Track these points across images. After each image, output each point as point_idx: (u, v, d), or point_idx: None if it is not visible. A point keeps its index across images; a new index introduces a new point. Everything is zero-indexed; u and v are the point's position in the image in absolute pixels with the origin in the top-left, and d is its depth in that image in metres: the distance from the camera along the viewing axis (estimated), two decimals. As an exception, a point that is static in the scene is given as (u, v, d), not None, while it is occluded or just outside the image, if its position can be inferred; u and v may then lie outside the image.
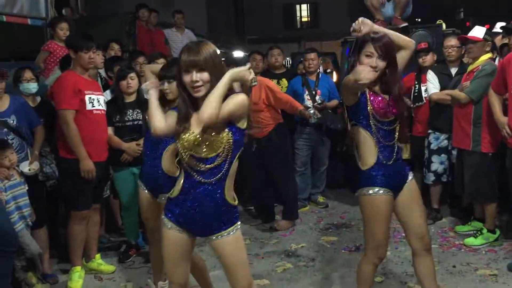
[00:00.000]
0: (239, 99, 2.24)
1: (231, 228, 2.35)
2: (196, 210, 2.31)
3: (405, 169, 2.86)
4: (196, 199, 2.30)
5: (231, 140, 2.25)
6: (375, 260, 2.82)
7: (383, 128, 2.70)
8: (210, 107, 2.15)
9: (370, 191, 2.72)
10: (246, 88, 5.14)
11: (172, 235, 2.38)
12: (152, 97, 2.45)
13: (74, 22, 6.50)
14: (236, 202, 2.37)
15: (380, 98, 2.69)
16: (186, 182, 2.31)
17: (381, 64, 2.65)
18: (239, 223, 2.40)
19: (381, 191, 2.71)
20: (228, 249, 2.36)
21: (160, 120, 2.34)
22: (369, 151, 2.72)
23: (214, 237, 2.35)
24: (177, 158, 2.79)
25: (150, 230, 3.39)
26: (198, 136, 2.23)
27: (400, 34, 2.75)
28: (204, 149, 2.24)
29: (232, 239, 2.35)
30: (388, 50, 2.64)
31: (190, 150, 2.25)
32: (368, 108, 2.68)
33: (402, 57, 2.74)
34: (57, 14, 5.74)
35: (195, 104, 2.27)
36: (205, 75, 2.20)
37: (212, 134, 2.22)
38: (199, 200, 2.29)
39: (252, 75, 2.41)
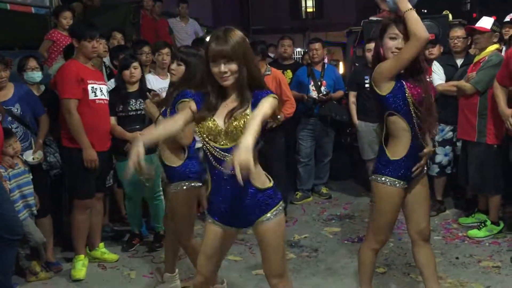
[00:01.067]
0: (273, 102, 2.15)
1: (273, 209, 2.29)
2: (231, 205, 2.28)
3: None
4: (226, 195, 2.26)
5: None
6: (374, 245, 2.85)
7: (419, 118, 2.64)
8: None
9: (388, 181, 2.70)
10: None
11: (212, 228, 2.37)
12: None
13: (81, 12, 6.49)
14: (271, 184, 2.31)
15: (415, 84, 2.64)
16: (213, 178, 2.29)
17: None
18: (281, 202, 2.33)
19: (400, 184, 2.71)
20: (266, 235, 2.31)
21: (164, 135, 2.30)
22: (403, 143, 2.67)
23: (258, 222, 2.30)
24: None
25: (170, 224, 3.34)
26: (220, 127, 2.20)
27: (415, 22, 2.57)
28: (223, 138, 2.21)
29: (272, 225, 2.29)
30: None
31: (208, 137, 2.22)
32: (407, 94, 2.61)
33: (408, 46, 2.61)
34: (61, 3, 5.72)
35: (222, 92, 2.24)
36: (233, 66, 2.15)
37: (235, 124, 2.18)
38: (230, 195, 2.26)
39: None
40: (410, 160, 2.70)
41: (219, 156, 2.22)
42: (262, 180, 2.30)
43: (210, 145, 2.23)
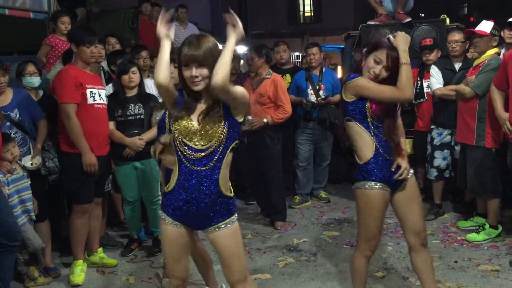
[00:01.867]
0: (243, 90, 2.26)
1: (228, 220, 2.35)
2: (191, 202, 2.31)
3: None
4: (190, 191, 2.30)
5: (226, 133, 2.26)
6: (367, 252, 2.85)
7: (379, 126, 2.72)
8: (223, 70, 2.13)
9: (366, 185, 2.73)
10: (258, 80, 5.08)
11: (171, 229, 2.38)
12: (165, 45, 2.33)
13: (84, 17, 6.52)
14: (232, 194, 2.37)
15: (377, 105, 2.69)
16: (180, 174, 2.32)
17: (384, 74, 2.68)
18: (235, 215, 2.39)
19: (377, 186, 2.72)
20: (224, 241, 2.35)
21: (165, 74, 2.28)
22: (366, 145, 2.72)
23: (211, 229, 2.35)
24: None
25: None
26: (196, 126, 2.26)
27: (407, 80, 2.63)
28: (198, 139, 2.26)
29: (229, 231, 2.35)
30: (397, 65, 2.64)
31: (184, 136, 2.28)
32: (366, 106, 2.68)
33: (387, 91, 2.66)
34: (59, 8, 5.73)
35: (197, 95, 2.29)
36: (205, 71, 2.21)
37: (209, 125, 2.24)
38: (194, 192, 2.29)
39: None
40: (380, 161, 2.71)
41: (191, 156, 2.27)
42: (228, 186, 2.34)
43: (184, 143, 2.28)
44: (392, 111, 2.78)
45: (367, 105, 2.68)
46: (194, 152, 2.27)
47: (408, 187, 2.81)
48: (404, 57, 2.64)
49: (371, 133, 2.71)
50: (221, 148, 2.27)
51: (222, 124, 2.26)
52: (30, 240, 3.53)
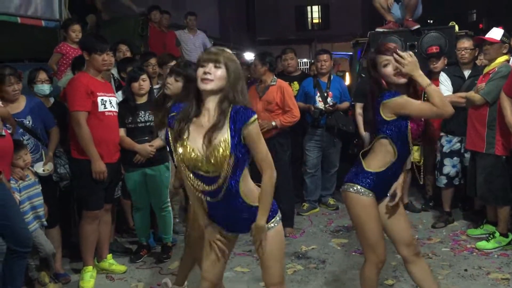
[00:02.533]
0: (257, 128, 2.25)
1: (270, 222, 2.37)
2: (227, 219, 2.38)
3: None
4: (222, 215, 2.37)
5: (234, 160, 2.19)
6: (377, 264, 2.82)
7: (406, 148, 2.73)
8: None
9: (361, 190, 2.71)
10: (263, 87, 5.13)
11: (214, 234, 2.42)
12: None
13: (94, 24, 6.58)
14: None
15: (414, 125, 2.70)
16: (208, 206, 2.38)
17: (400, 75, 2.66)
18: (278, 217, 2.41)
19: (370, 194, 2.72)
20: (267, 245, 2.37)
21: None
22: (382, 161, 2.72)
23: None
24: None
25: (192, 235, 3.32)
26: (200, 155, 2.19)
27: (440, 99, 2.59)
28: (206, 166, 2.19)
29: (272, 234, 2.37)
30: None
31: (191, 169, 2.23)
32: (408, 128, 2.67)
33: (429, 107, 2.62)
34: (71, 16, 5.79)
35: (198, 107, 2.23)
36: (219, 72, 2.17)
37: (214, 153, 2.16)
38: (225, 213, 2.35)
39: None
40: (382, 178, 2.72)
41: (205, 189, 2.25)
42: (254, 197, 2.33)
43: (194, 175, 2.24)
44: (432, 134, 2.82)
45: (409, 125, 2.67)
46: (207, 185, 2.25)
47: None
48: (423, 81, 2.60)
49: (397, 153, 2.70)
50: (233, 175, 2.23)
51: (229, 153, 2.16)
52: (42, 245, 3.55)
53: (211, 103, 2.21)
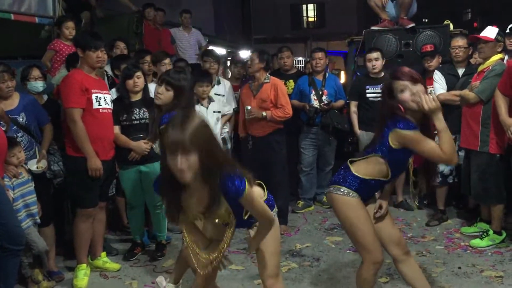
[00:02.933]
0: (250, 197, 2.22)
1: None
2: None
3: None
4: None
5: (231, 212, 2.28)
6: (374, 265, 2.79)
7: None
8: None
9: (345, 190, 2.71)
10: (257, 84, 5.15)
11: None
12: None
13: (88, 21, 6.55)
14: (265, 196, 2.46)
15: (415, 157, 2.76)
16: None
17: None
18: (273, 211, 2.48)
19: (356, 196, 2.73)
20: (265, 240, 2.45)
21: None
22: (374, 174, 2.72)
23: (250, 228, 2.48)
24: None
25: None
26: (202, 221, 2.35)
27: (450, 147, 2.57)
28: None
29: None
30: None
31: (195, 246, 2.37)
32: (410, 162, 2.76)
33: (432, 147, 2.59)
34: (65, 13, 5.76)
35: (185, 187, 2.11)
36: (192, 159, 1.95)
37: (214, 221, 2.30)
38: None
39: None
40: (368, 184, 2.74)
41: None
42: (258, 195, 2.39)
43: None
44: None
45: (411, 161, 2.73)
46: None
47: (374, 199, 2.87)
48: (440, 124, 2.56)
49: (390, 175, 2.71)
50: (235, 218, 2.32)
51: (230, 213, 2.27)
52: (35, 242, 3.53)
53: (195, 180, 2.07)
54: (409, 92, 2.61)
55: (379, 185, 2.81)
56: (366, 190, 2.77)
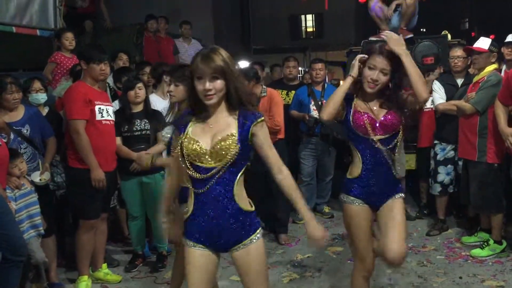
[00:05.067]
0: (266, 130, 2.28)
1: (253, 235, 2.27)
2: (212, 224, 2.23)
3: (394, 189, 2.80)
4: (209, 214, 2.22)
5: (238, 152, 2.18)
6: (363, 273, 2.83)
7: (369, 145, 2.70)
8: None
9: (345, 198, 2.80)
10: (254, 99, 5.16)
11: (196, 253, 2.27)
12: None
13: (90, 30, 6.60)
14: (253, 208, 2.30)
15: (363, 117, 2.69)
16: (196, 202, 2.25)
17: (383, 79, 2.66)
18: (260, 229, 2.32)
19: (356, 202, 2.76)
20: (249, 258, 2.27)
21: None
22: (356, 163, 2.77)
23: (236, 248, 2.27)
24: None
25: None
26: (204, 149, 2.18)
27: (421, 80, 2.66)
28: (209, 159, 2.18)
29: (254, 248, 2.27)
30: (394, 65, 2.64)
31: (193, 159, 2.20)
32: (351, 125, 2.74)
33: (410, 102, 2.71)
34: (65, 25, 5.81)
35: (205, 111, 2.22)
36: (218, 83, 2.14)
37: (220, 145, 2.17)
38: (212, 214, 2.22)
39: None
40: (365, 182, 2.73)
41: (200, 177, 2.20)
42: (247, 202, 2.29)
43: (192, 166, 2.21)
44: None
45: (350, 117, 2.78)
46: (203, 174, 2.19)
47: (389, 208, 2.75)
48: (404, 54, 2.62)
49: (359, 155, 2.76)
50: (231, 167, 2.19)
51: (235, 143, 2.17)
52: (34, 252, 3.53)
53: (218, 107, 2.22)
54: (376, 72, 2.66)
55: (376, 176, 2.72)
56: (369, 188, 2.74)
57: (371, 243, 2.82)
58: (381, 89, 2.69)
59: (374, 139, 2.68)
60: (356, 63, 2.72)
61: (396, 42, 2.65)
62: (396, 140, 2.72)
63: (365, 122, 2.69)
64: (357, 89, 2.76)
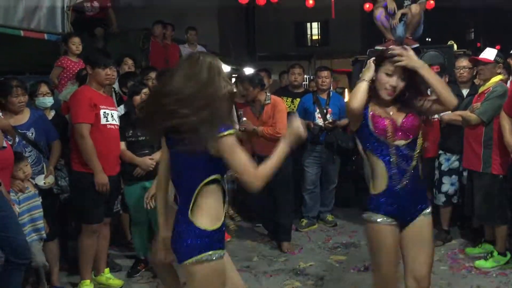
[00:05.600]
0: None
1: (201, 254, 2.11)
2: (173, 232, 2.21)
3: (424, 198, 2.68)
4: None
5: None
6: None
7: (393, 152, 2.54)
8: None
9: (375, 218, 2.57)
10: (258, 107, 5.16)
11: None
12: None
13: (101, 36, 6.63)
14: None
15: (384, 121, 2.56)
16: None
17: (401, 85, 2.54)
18: (216, 251, 2.13)
19: (388, 220, 2.56)
20: (195, 279, 2.13)
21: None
22: (380, 176, 2.58)
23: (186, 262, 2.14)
24: None
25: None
26: None
27: (445, 88, 2.53)
28: None
29: (199, 277, 2.12)
30: (410, 72, 2.51)
31: None
32: (371, 130, 2.57)
33: (436, 110, 2.63)
34: (72, 30, 5.85)
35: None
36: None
37: None
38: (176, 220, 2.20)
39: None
40: (394, 193, 2.54)
41: None
42: (204, 219, 2.14)
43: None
44: None
45: (370, 123, 2.63)
46: None
47: (420, 225, 2.61)
48: (419, 66, 2.49)
49: (383, 162, 2.59)
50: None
51: None
52: (34, 255, 3.52)
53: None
54: (394, 78, 2.56)
55: (405, 188, 2.55)
56: (396, 201, 2.55)
57: (396, 265, 2.62)
58: (398, 95, 2.59)
59: (398, 144, 2.55)
60: (371, 66, 2.59)
61: (408, 58, 2.49)
62: (417, 144, 2.59)
63: (387, 125, 2.55)
64: (368, 96, 2.60)
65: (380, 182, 2.58)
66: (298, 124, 2.25)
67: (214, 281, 2.14)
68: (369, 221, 2.60)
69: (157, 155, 4.06)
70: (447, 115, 4.73)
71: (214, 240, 2.13)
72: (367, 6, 10.36)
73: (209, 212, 2.16)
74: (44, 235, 3.60)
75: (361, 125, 2.62)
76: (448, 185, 4.84)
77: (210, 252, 2.11)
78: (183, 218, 2.15)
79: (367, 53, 6.14)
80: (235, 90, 6.71)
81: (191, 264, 2.11)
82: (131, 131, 4.09)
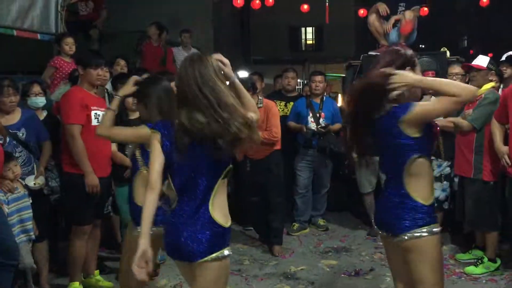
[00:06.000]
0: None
1: (214, 254, 2.12)
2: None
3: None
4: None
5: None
6: None
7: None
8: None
9: (437, 229, 2.38)
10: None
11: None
12: None
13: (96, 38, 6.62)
14: (229, 223, 2.19)
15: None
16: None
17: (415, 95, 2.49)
18: (223, 250, 2.15)
19: (438, 230, 2.41)
20: (208, 276, 2.12)
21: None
22: (426, 181, 2.39)
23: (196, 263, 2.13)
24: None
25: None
26: None
27: (454, 84, 2.34)
28: None
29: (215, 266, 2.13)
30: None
31: None
32: (435, 127, 2.44)
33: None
34: (65, 30, 5.82)
35: None
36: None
37: None
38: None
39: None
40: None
41: None
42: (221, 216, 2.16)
43: None
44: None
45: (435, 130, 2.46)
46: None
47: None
48: (416, 83, 2.37)
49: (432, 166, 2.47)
50: None
51: None
52: (22, 257, 3.49)
53: None
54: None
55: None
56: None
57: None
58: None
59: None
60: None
61: (401, 81, 2.36)
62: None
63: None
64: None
65: (427, 189, 2.40)
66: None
67: (225, 277, 2.20)
68: (430, 233, 2.36)
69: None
70: (440, 121, 4.75)
71: (228, 236, 2.19)
72: (361, 11, 10.40)
73: (222, 209, 2.18)
74: (33, 236, 3.57)
75: (424, 131, 2.35)
76: (439, 191, 4.86)
77: (226, 248, 2.16)
78: (202, 217, 2.11)
79: (361, 59, 6.16)
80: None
81: (211, 260, 2.11)
82: (122, 133, 4.07)
